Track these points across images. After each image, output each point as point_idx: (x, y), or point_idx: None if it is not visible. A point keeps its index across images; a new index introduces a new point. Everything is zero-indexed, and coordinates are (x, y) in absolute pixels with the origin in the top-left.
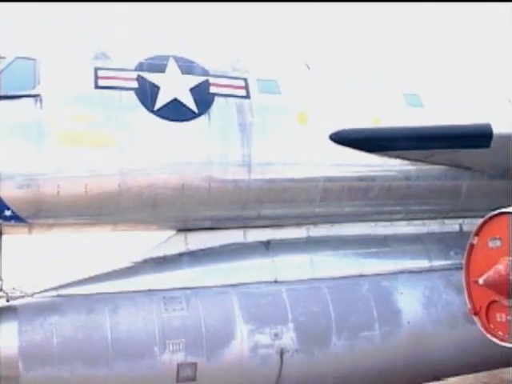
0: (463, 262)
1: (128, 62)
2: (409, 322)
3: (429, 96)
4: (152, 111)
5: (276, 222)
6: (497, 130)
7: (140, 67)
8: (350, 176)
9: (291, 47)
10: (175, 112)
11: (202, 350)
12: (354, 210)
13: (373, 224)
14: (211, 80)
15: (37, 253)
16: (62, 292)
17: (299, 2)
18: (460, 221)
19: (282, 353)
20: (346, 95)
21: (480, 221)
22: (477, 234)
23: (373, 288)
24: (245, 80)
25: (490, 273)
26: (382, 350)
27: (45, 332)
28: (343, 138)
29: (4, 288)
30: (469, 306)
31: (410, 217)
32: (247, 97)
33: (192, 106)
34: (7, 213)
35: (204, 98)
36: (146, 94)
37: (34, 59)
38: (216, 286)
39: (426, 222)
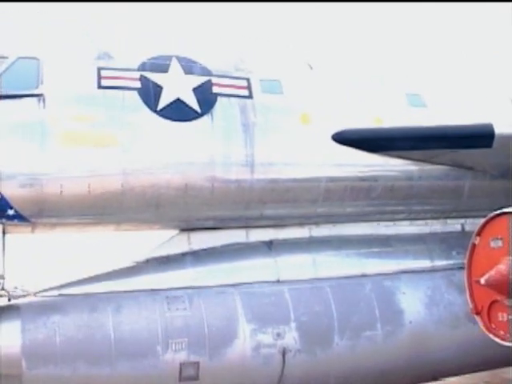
0: (465, 261)
1: (131, 61)
2: (411, 322)
3: (431, 96)
4: (155, 111)
5: (278, 222)
6: (499, 130)
7: (143, 67)
8: (353, 176)
9: (294, 47)
10: (178, 112)
11: (205, 349)
12: (357, 210)
13: (375, 224)
14: (214, 80)
15: (40, 252)
16: (65, 291)
17: (302, 2)
18: (462, 221)
19: (284, 352)
20: (348, 95)
21: (482, 221)
22: (479, 233)
23: (375, 288)
24: (247, 80)
25: (492, 273)
26: (384, 350)
27: (48, 331)
28: (346, 138)
29: (6, 287)
30: (470, 305)
31: (412, 217)
32: (250, 97)
33: (195, 105)
34: (10, 212)
35: (207, 98)
36: (149, 93)
37: (38, 59)
38: (219, 286)
39: (429, 221)
